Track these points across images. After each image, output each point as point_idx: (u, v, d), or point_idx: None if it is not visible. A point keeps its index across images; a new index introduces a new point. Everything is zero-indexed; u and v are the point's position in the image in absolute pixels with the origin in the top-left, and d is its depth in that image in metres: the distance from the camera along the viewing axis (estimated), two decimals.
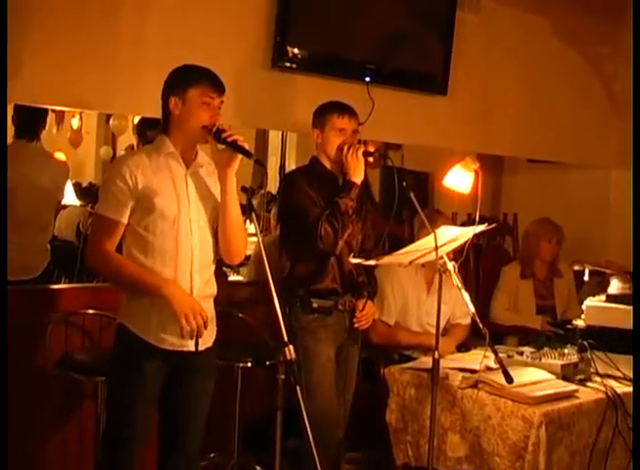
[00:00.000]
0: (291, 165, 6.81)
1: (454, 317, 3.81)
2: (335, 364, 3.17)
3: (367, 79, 4.07)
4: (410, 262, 2.97)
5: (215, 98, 2.49)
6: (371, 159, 3.13)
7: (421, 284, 3.76)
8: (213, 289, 2.61)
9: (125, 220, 2.47)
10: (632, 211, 3.68)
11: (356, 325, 3.22)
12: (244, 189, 2.47)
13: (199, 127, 2.47)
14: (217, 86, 2.51)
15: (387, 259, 2.95)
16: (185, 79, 2.50)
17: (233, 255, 2.60)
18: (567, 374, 3.16)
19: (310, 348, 3.10)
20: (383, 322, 3.68)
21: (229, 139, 2.43)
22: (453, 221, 4.52)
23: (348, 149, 3.08)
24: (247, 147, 2.44)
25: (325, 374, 3.12)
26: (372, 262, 2.93)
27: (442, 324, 3.71)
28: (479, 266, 4.82)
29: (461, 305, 3.48)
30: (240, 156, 2.46)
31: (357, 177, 3.09)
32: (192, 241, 2.51)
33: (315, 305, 3.13)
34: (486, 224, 2.94)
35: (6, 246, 3.34)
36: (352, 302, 3.22)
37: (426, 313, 3.72)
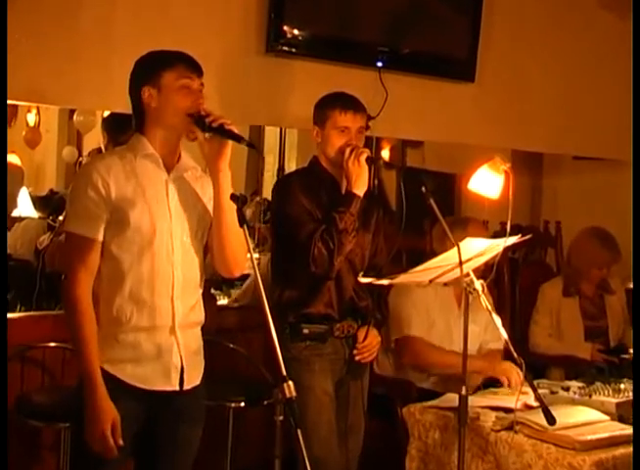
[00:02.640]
0: (291, 167, 6.85)
1: (486, 341, 3.84)
2: (334, 401, 3.19)
3: (379, 65, 4.12)
4: (430, 281, 2.99)
5: (194, 79, 2.52)
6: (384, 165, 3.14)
7: (449, 302, 3.79)
8: (200, 316, 2.63)
9: (101, 237, 2.48)
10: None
11: (357, 357, 3.24)
12: (233, 197, 2.48)
13: (182, 116, 2.49)
14: (194, 66, 2.54)
15: (402, 278, 2.97)
16: (156, 64, 2.54)
17: (232, 266, 2.62)
18: (623, 414, 3.15)
19: (303, 381, 3.09)
20: (412, 337, 3.73)
21: (214, 124, 2.46)
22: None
23: (350, 153, 3.09)
24: (235, 130, 2.47)
25: (322, 412, 3.14)
26: (385, 282, 2.95)
27: (475, 348, 3.75)
28: (514, 284, 4.83)
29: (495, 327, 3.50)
30: (231, 142, 2.49)
31: (359, 188, 3.11)
32: (173, 260, 2.52)
33: (306, 330, 3.16)
34: (519, 235, 2.96)
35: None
36: (353, 327, 3.25)
37: (457, 336, 3.73)
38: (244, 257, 2.63)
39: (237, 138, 2.47)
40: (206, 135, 2.49)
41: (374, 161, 3.15)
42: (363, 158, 3.09)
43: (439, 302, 3.79)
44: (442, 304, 3.79)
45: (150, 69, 2.54)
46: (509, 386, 3.51)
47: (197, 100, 2.51)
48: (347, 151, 3.10)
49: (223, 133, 2.47)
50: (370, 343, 3.25)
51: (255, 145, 2.55)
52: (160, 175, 2.54)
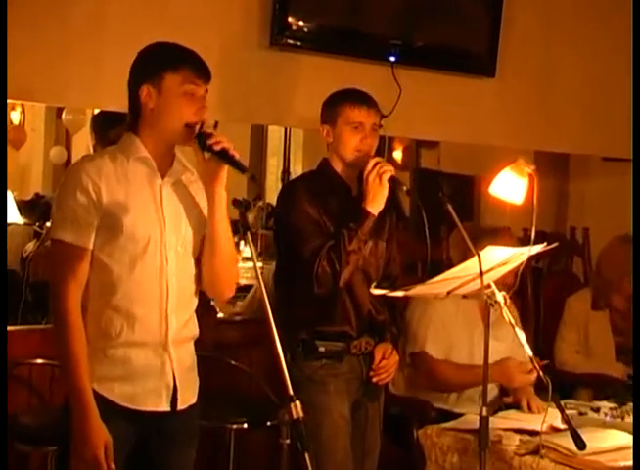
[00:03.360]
0: (296, 170, 6.88)
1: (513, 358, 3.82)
2: (350, 424, 3.19)
3: (392, 59, 4.12)
4: (449, 293, 2.99)
5: (200, 86, 2.50)
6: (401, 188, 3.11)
7: (472, 316, 3.78)
8: (194, 330, 2.64)
9: (92, 246, 2.47)
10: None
11: (374, 379, 3.23)
12: (236, 202, 2.49)
13: (180, 125, 2.48)
14: (202, 71, 2.52)
15: (418, 290, 2.97)
16: (161, 62, 2.51)
17: (219, 289, 2.65)
18: None
19: (318, 403, 3.11)
20: (425, 354, 3.72)
21: (216, 147, 2.44)
22: None
23: (373, 167, 3.07)
24: (238, 157, 2.45)
25: (338, 437, 3.13)
26: (399, 293, 2.95)
27: None
28: (538, 296, 4.83)
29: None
30: (227, 166, 2.47)
31: (375, 207, 3.10)
32: (167, 271, 2.52)
33: (322, 348, 3.16)
34: (544, 243, 2.96)
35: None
36: (370, 344, 3.25)
37: (481, 353, 3.72)
38: (234, 280, 2.67)
39: (240, 168, 2.44)
40: (206, 155, 2.48)
41: (396, 183, 3.10)
42: (385, 177, 3.06)
43: (462, 316, 3.77)
44: (465, 318, 3.77)
45: (153, 65, 2.52)
46: (530, 410, 3.51)
47: (200, 109, 2.50)
48: (371, 164, 3.08)
49: (225, 159, 2.45)
50: (388, 363, 3.25)
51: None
52: (153, 180, 2.54)
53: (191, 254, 2.59)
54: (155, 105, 2.50)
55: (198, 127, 2.48)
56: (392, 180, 3.09)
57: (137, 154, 2.52)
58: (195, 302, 2.63)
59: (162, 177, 2.55)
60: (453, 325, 3.77)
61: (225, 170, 2.49)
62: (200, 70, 2.51)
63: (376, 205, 3.10)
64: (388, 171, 3.07)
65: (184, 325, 2.58)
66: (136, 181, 2.52)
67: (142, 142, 2.53)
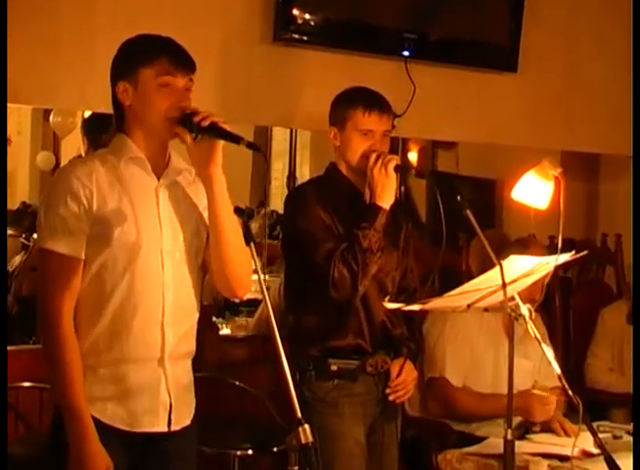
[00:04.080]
0: (303, 174, 6.88)
1: (541, 378, 3.82)
2: (365, 450, 3.19)
3: (405, 54, 4.13)
4: (469, 306, 2.99)
5: (178, 77, 2.51)
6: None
7: (497, 332, 3.77)
8: (191, 345, 2.64)
9: (84, 255, 2.48)
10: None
11: (391, 397, 3.24)
12: (238, 211, 2.49)
13: (160, 119, 2.49)
14: (180, 60, 2.52)
15: (436, 303, 2.97)
16: (134, 56, 2.53)
17: (235, 286, 2.62)
18: None
19: (331, 427, 3.11)
20: (444, 380, 3.71)
21: (204, 123, 2.44)
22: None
23: (376, 160, 3.10)
24: (229, 129, 2.44)
25: (352, 464, 3.13)
26: (415, 307, 2.94)
27: (527, 388, 3.71)
28: (567, 309, 4.83)
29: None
30: (222, 143, 2.46)
31: (385, 200, 3.11)
32: (164, 280, 2.53)
33: (334, 367, 3.16)
34: (573, 252, 2.96)
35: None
36: (387, 362, 3.25)
37: (507, 373, 3.70)
38: (248, 275, 2.63)
39: (234, 138, 2.42)
40: (195, 138, 2.47)
41: (403, 169, 3.15)
42: (391, 166, 3.09)
43: (485, 332, 3.76)
44: (489, 335, 3.76)
45: (127, 61, 2.54)
46: (565, 434, 3.51)
47: (179, 102, 2.49)
48: (373, 157, 3.11)
49: (216, 133, 2.44)
50: (405, 379, 3.25)
51: (261, 149, 2.51)
52: (148, 182, 2.55)
53: (191, 260, 2.59)
54: (132, 102, 2.52)
55: (179, 116, 2.47)
56: (399, 168, 3.12)
57: (129, 154, 2.54)
58: (195, 315, 2.64)
59: (158, 178, 2.56)
60: (476, 343, 3.76)
61: (219, 149, 2.48)
62: (177, 59, 2.52)
63: (386, 197, 3.11)
64: (393, 160, 3.10)
65: (182, 339, 2.58)
66: (130, 184, 2.53)
67: (134, 142, 2.55)
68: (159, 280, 2.53)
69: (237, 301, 4.69)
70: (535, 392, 3.59)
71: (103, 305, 2.49)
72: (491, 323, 3.76)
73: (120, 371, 2.51)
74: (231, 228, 2.53)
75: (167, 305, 2.54)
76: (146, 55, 2.51)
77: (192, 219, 2.60)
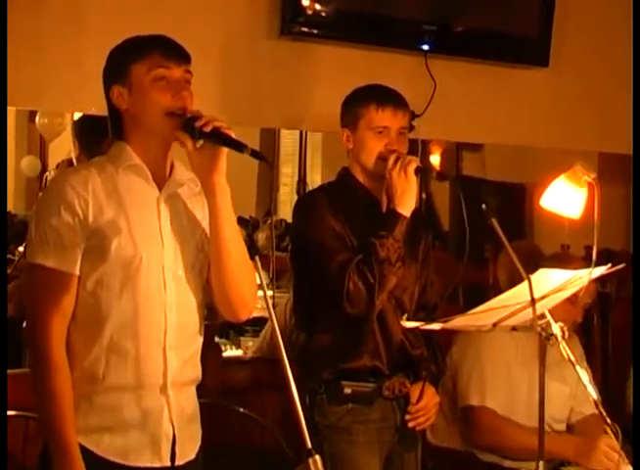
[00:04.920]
0: (314, 179, 6.91)
1: (578, 404, 3.81)
2: None
3: (425, 48, 4.14)
4: (494, 325, 2.99)
5: (173, 67, 2.52)
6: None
7: (532, 354, 3.74)
8: (197, 371, 2.65)
9: (78, 271, 2.49)
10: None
11: (411, 424, 3.24)
12: (242, 221, 2.50)
13: (160, 116, 2.50)
14: (172, 52, 2.54)
15: (458, 321, 2.96)
16: (124, 57, 2.56)
17: (238, 307, 2.63)
18: None
19: (344, 456, 3.12)
20: (488, 410, 3.69)
21: (206, 128, 2.45)
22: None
23: (394, 162, 3.11)
24: (233, 135, 2.45)
25: None
26: (435, 326, 2.93)
27: (564, 415, 3.74)
28: (607, 327, 4.82)
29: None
30: (225, 150, 2.47)
31: (405, 206, 3.12)
32: (166, 300, 2.54)
33: (348, 390, 3.16)
34: (609, 265, 2.96)
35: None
36: (405, 385, 3.26)
37: (547, 401, 3.62)
38: (253, 295, 2.63)
39: (237, 146, 2.43)
40: (197, 144, 2.49)
41: (425, 172, 3.14)
42: (411, 168, 3.09)
43: (521, 354, 3.72)
44: (525, 357, 3.72)
45: (117, 63, 2.57)
46: None
47: (180, 93, 2.51)
48: (392, 159, 3.11)
49: (218, 139, 2.46)
50: (427, 404, 3.25)
51: (266, 157, 2.52)
52: (149, 192, 2.56)
53: (195, 278, 2.60)
54: (128, 105, 2.55)
55: (181, 113, 2.49)
56: (420, 170, 3.12)
57: (128, 162, 2.55)
58: (199, 338, 2.64)
59: (160, 189, 2.58)
60: (514, 368, 3.71)
61: (223, 156, 2.49)
62: (170, 49, 2.54)
63: (406, 203, 3.12)
64: (414, 162, 3.10)
65: (186, 364, 2.59)
66: (128, 194, 2.54)
67: (133, 149, 2.56)
68: (160, 300, 2.53)
69: None
70: (604, 447, 3.54)
71: (99, 327, 2.49)
72: (526, 345, 3.70)
73: (118, 400, 2.50)
74: (234, 243, 2.53)
75: (170, 328, 2.54)
76: (136, 52, 2.54)
77: (196, 234, 2.61)
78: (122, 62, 2.55)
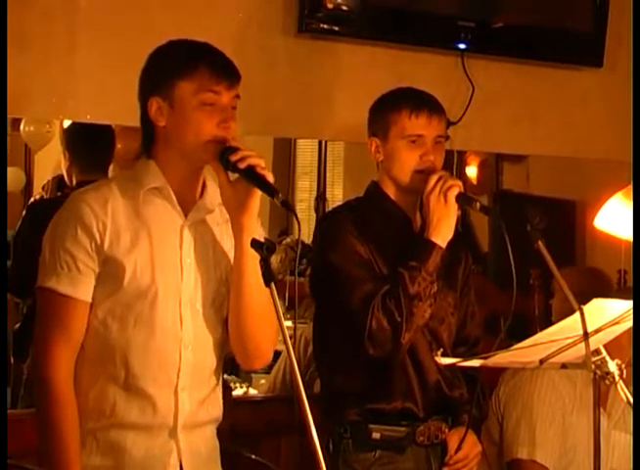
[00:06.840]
0: (335, 195, 6.90)
1: None
2: None
3: (461, 46, 4.16)
4: (541, 362, 2.98)
5: (222, 92, 2.57)
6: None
7: (588, 395, 3.70)
8: (215, 411, 2.70)
9: (90, 298, 2.55)
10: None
11: None
12: (255, 244, 2.51)
13: (202, 143, 2.55)
14: (224, 73, 2.59)
15: (500, 358, 2.95)
16: (170, 67, 2.59)
17: (253, 355, 2.70)
18: None
19: None
20: (538, 465, 3.60)
21: (241, 164, 2.51)
22: (619, 285, 4.54)
23: (435, 184, 3.11)
24: (269, 178, 2.51)
25: None
26: (474, 363, 2.93)
27: None
28: None
29: None
30: (259, 192, 2.53)
31: (442, 235, 3.12)
32: (182, 336, 2.58)
33: (377, 435, 3.17)
34: None
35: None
36: (443, 431, 3.25)
37: (605, 452, 3.52)
38: (270, 344, 2.70)
39: (269, 190, 2.49)
40: (230, 176, 2.55)
41: (466, 201, 3.14)
42: (452, 194, 3.10)
43: (579, 397, 3.64)
44: (584, 401, 3.64)
45: (161, 73, 2.61)
46: None
47: (224, 122, 2.56)
48: (433, 180, 3.12)
49: (251, 179, 2.52)
50: (467, 454, 3.26)
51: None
52: (172, 218, 2.61)
53: (215, 313, 2.65)
54: (167, 122, 2.59)
55: (224, 142, 2.55)
56: (462, 197, 3.12)
57: (152, 183, 2.61)
58: (216, 377, 2.69)
59: (186, 213, 2.62)
60: (570, 414, 3.64)
61: (257, 197, 2.55)
62: (220, 72, 2.59)
63: (443, 232, 3.12)
64: (456, 187, 3.11)
65: (201, 406, 2.63)
66: (150, 219, 2.59)
67: (160, 168, 2.61)
68: (176, 336, 2.58)
69: None
70: None
71: (108, 359, 2.56)
72: (585, 387, 3.61)
73: (122, 438, 2.55)
74: (257, 289, 2.56)
75: (185, 367, 2.59)
76: (183, 66, 2.58)
77: (221, 265, 2.66)
78: (166, 74, 2.59)
